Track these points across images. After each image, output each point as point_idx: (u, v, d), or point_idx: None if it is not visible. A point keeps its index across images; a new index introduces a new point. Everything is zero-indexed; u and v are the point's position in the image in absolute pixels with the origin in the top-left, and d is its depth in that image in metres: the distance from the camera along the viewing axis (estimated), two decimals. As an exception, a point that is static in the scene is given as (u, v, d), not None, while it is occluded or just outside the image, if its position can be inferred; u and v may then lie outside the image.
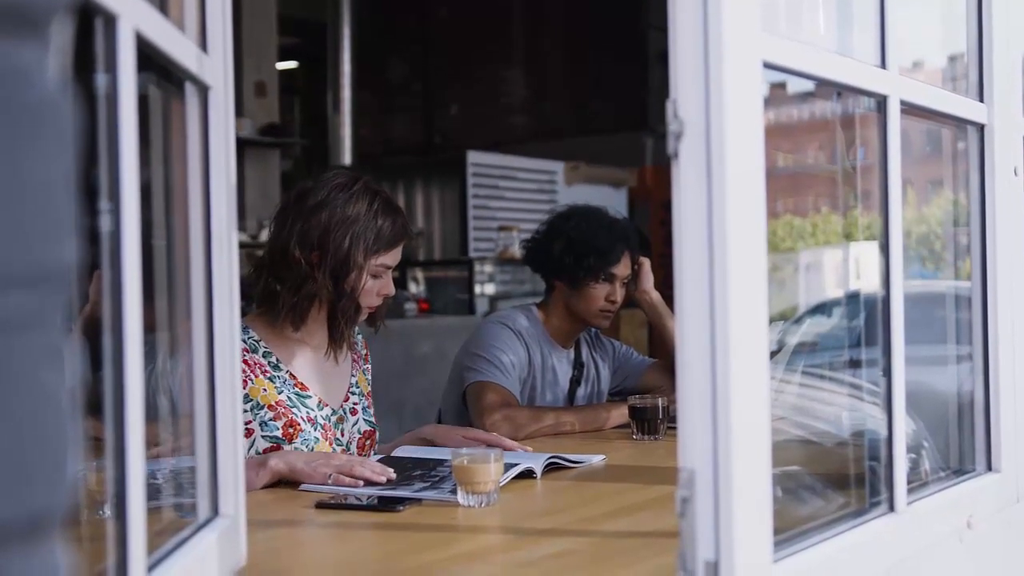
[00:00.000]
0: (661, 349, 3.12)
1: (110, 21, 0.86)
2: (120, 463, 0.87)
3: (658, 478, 1.94)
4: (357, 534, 1.62)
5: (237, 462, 1.24)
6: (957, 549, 1.57)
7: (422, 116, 9.58)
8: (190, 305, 1.19)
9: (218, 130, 1.21)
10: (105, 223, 0.86)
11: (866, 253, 1.57)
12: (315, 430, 2.09)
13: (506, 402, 2.55)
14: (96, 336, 0.89)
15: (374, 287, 2.11)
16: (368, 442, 2.22)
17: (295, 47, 9.04)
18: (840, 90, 1.48)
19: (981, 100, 1.69)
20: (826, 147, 1.75)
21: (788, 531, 1.19)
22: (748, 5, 1.08)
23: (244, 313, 1.89)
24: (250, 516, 1.29)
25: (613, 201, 7.05)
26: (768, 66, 1.12)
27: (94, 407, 0.84)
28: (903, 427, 1.39)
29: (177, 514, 1.27)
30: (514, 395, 2.59)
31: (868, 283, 1.54)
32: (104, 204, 0.86)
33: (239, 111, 6.57)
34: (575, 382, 2.82)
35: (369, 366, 2.32)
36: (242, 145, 6.66)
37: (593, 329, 2.88)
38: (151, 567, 0.94)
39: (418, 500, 1.74)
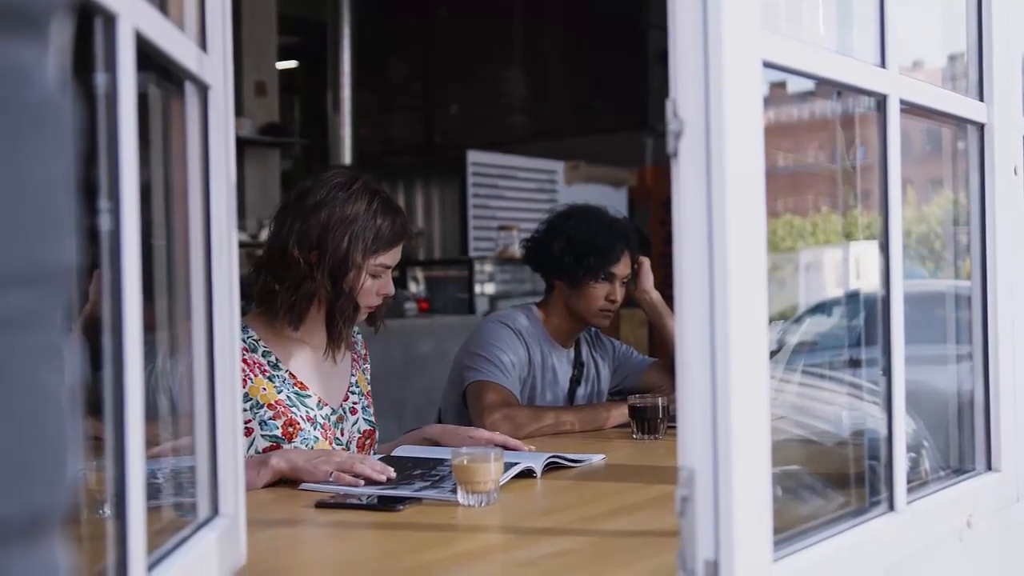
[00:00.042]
0: (661, 348, 3.12)
1: (110, 20, 0.86)
2: (120, 463, 0.87)
3: (658, 477, 1.94)
4: (357, 533, 1.62)
5: (237, 461, 1.24)
6: (957, 548, 1.57)
7: (422, 116, 9.58)
8: (190, 305, 1.19)
9: (218, 130, 1.21)
10: (105, 223, 0.86)
11: (866, 252, 1.57)
12: (315, 429, 2.09)
13: (506, 401, 2.55)
14: (96, 336, 0.89)
15: (373, 287, 2.11)
16: (368, 441, 2.22)
17: (295, 47, 9.04)
18: (840, 89, 1.48)
19: (981, 99, 1.68)
20: (826, 146, 1.74)
21: (788, 530, 1.19)
22: (748, 4, 1.08)
23: (244, 312, 1.89)
24: (250, 515, 1.29)
25: (613, 201, 7.04)
26: (768, 65, 1.12)
27: (94, 407, 0.84)
28: (903, 426, 1.39)
29: (177, 513, 1.27)
30: (514, 394, 2.59)
31: (868, 282, 1.54)
32: (104, 204, 0.86)
33: (239, 111, 6.57)
34: (575, 381, 2.82)
35: (368, 365, 2.32)
36: (242, 145, 6.66)
37: (593, 328, 2.88)
38: (151, 566, 0.94)
39: (418, 499, 1.74)
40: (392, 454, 2.15)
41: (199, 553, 1.10)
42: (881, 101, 1.40)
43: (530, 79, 9.13)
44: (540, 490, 1.91)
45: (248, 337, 2.08)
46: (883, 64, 1.39)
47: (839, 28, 1.65)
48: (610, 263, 2.70)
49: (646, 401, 2.46)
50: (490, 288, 6.91)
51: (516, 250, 6.70)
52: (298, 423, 2.07)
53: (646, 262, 2.83)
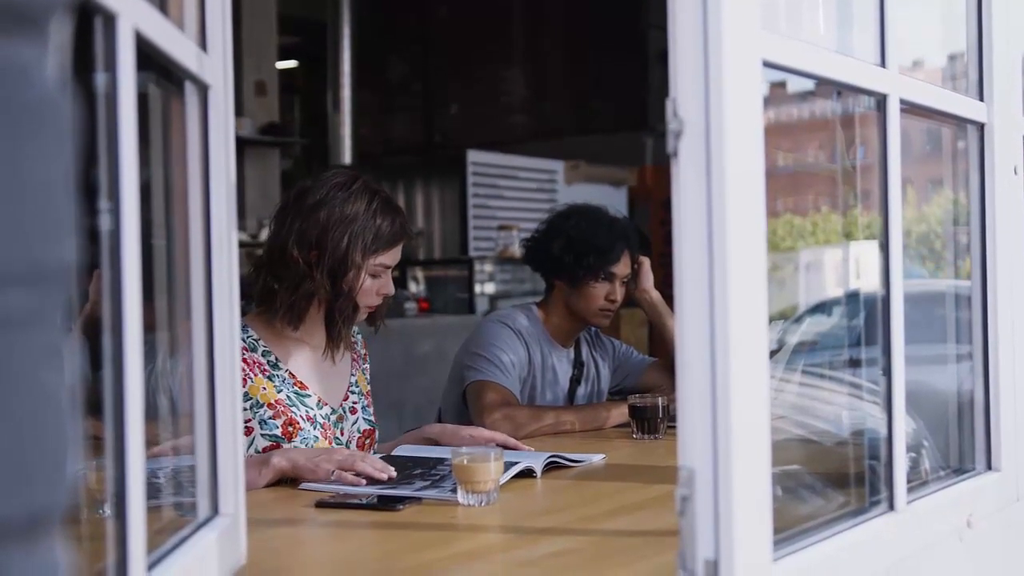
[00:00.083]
0: (661, 348, 3.13)
1: (109, 20, 0.86)
2: (120, 462, 0.87)
3: (658, 477, 1.94)
4: (357, 533, 1.62)
5: (237, 461, 1.24)
6: (957, 548, 1.57)
7: (422, 116, 9.57)
8: (190, 305, 1.19)
9: (218, 129, 1.21)
10: (105, 222, 0.86)
11: (866, 252, 1.57)
12: (314, 429, 2.09)
13: (506, 401, 2.55)
14: (96, 335, 0.89)
15: (373, 287, 2.11)
16: (368, 441, 2.22)
17: (295, 46, 9.04)
18: (840, 89, 1.48)
19: (981, 99, 1.68)
20: (826, 146, 1.74)
21: (788, 530, 1.19)
22: (748, 4, 1.08)
23: (244, 312, 1.89)
24: (250, 515, 1.29)
25: (613, 200, 7.04)
26: (768, 65, 1.12)
27: (94, 407, 0.84)
28: (903, 426, 1.39)
29: (177, 513, 1.27)
30: (514, 394, 2.59)
31: (868, 282, 1.54)
32: (104, 203, 0.86)
33: (239, 110, 6.57)
34: (575, 381, 2.82)
35: (368, 365, 2.32)
36: (242, 144, 6.66)
37: (593, 328, 2.88)
38: (151, 566, 0.94)
39: (418, 499, 1.74)
40: (392, 453, 2.15)
41: (199, 553, 1.10)
42: (881, 101, 1.40)
43: (530, 79, 9.13)
44: (540, 490, 1.91)
45: (248, 337, 2.08)
46: (883, 64, 1.39)
47: (839, 28, 1.65)
48: (610, 263, 2.70)
49: (646, 401, 2.46)
50: (490, 288, 6.91)
51: (516, 250, 6.71)
52: (298, 422, 2.07)
53: (646, 262, 2.83)
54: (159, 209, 1.14)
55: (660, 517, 1.59)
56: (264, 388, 2.06)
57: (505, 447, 2.05)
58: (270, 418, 2.04)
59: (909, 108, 1.44)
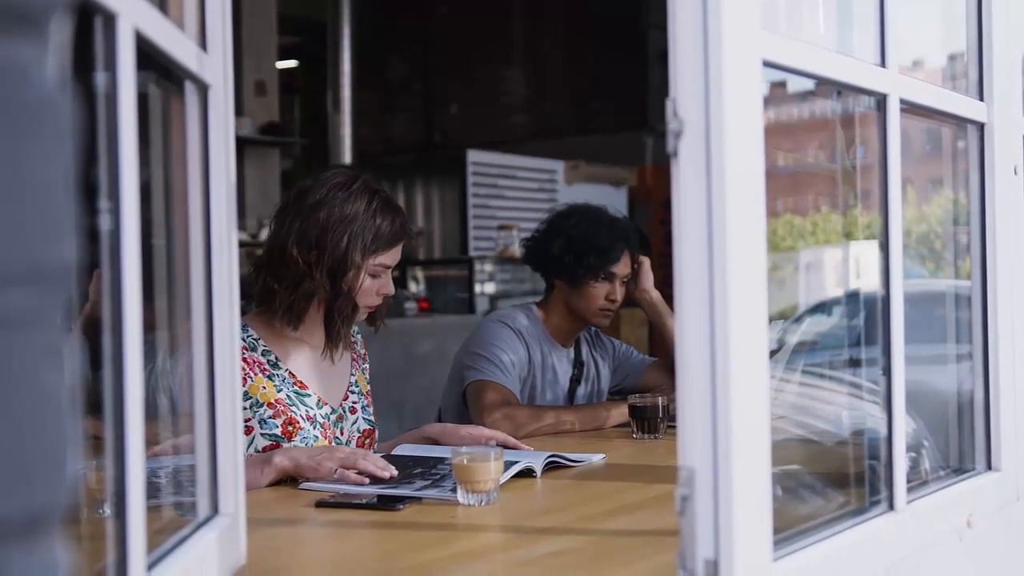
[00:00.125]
0: (661, 348, 3.12)
1: (109, 19, 0.86)
2: (120, 462, 0.87)
3: (658, 477, 1.94)
4: (357, 533, 1.62)
5: (237, 461, 1.24)
6: (957, 548, 1.57)
7: (422, 115, 9.57)
8: (190, 304, 1.19)
9: (218, 129, 1.21)
10: (105, 222, 0.86)
11: (866, 252, 1.57)
12: (314, 428, 2.09)
13: (506, 401, 2.55)
14: (96, 335, 0.89)
15: (373, 286, 2.11)
16: (367, 441, 2.22)
17: (295, 46, 9.04)
18: (840, 89, 1.48)
19: (981, 99, 1.68)
20: (826, 146, 1.74)
21: (788, 530, 1.19)
22: (748, 4, 1.08)
23: (244, 312, 1.89)
24: (250, 514, 1.29)
25: (613, 200, 7.04)
26: (768, 65, 1.12)
27: (94, 407, 0.84)
28: (903, 426, 1.39)
29: (177, 512, 1.27)
30: (514, 394, 2.59)
31: (868, 282, 1.54)
32: (104, 203, 0.86)
33: (239, 110, 6.57)
34: (575, 381, 2.82)
35: (367, 365, 2.32)
36: (242, 144, 6.66)
37: (593, 328, 2.88)
38: (151, 566, 0.94)
39: (418, 499, 1.74)
40: (392, 453, 2.15)
41: (199, 552, 1.10)
42: (881, 101, 1.40)
43: (530, 79, 9.13)
44: (540, 490, 1.91)
45: (248, 336, 2.08)
46: (883, 64, 1.39)
47: (839, 28, 1.65)
48: (610, 262, 2.70)
49: (646, 401, 2.46)
50: (490, 288, 6.91)
51: (516, 250, 6.71)
52: (298, 422, 2.07)
53: (646, 261, 2.83)
54: (159, 209, 1.14)
55: (660, 517, 1.59)
56: (264, 387, 2.06)
57: (505, 446, 2.05)
58: (270, 417, 2.04)
59: (909, 108, 1.44)
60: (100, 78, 0.86)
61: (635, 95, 8.31)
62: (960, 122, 1.69)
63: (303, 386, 2.11)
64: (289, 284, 2.06)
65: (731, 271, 1.03)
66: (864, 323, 1.60)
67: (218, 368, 1.21)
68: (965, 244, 1.74)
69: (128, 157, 0.87)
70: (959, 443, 1.75)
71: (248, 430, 2.02)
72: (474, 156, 7.62)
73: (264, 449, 2.01)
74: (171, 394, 1.22)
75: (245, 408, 2.02)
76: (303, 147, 8.08)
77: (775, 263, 1.23)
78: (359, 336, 2.32)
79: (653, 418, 2.43)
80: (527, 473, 1.94)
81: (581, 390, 2.83)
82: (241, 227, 6.58)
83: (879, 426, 1.42)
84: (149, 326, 0.96)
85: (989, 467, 1.69)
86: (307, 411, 2.09)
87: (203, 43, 1.19)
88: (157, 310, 1.13)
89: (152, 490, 0.97)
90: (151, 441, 0.98)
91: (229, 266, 1.22)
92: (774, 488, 1.11)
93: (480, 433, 2.18)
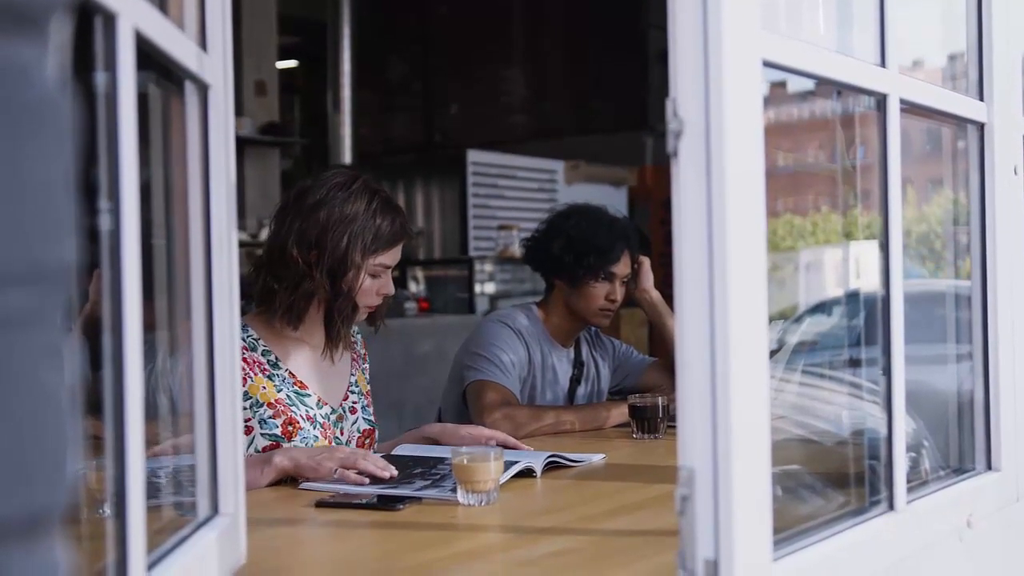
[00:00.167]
0: (661, 348, 3.13)
1: (109, 19, 0.86)
2: (120, 462, 0.87)
3: (658, 477, 1.94)
4: (357, 533, 1.62)
5: (237, 461, 1.24)
6: (957, 548, 1.57)
7: (422, 115, 9.58)
8: (190, 304, 1.19)
9: (218, 129, 1.21)
10: (105, 222, 0.86)
11: (866, 252, 1.57)
12: (314, 428, 2.09)
13: (506, 401, 2.55)
14: (96, 336, 0.89)
15: (373, 286, 2.11)
16: (367, 441, 2.22)
17: (295, 46, 9.04)
18: (840, 89, 1.48)
19: (981, 99, 1.68)
20: (826, 146, 1.74)
21: (788, 530, 1.19)
22: (748, 4, 1.08)
23: (244, 312, 1.89)
24: (250, 514, 1.29)
25: (613, 200, 7.04)
26: (768, 65, 1.12)
27: (94, 406, 0.84)
28: (903, 426, 1.39)
29: (177, 512, 1.27)
30: (514, 394, 2.59)
31: (868, 282, 1.54)
32: (104, 203, 0.86)
33: (239, 110, 6.57)
34: (575, 381, 2.82)
35: (367, 365, 2.32)
36: (242, 144, 6.66)
37: (593, 328, 2.88)
38: (151, 565, 0.94)
39: (418, 499, 1.74)
40: (392, 453, 2.14)
41: (199, 552, 1.10)
42: (881, 101, 1.40)
43: (530, 79, 9.13)
44: (540, 490, 1.91)
45: (248, 336, 2.08)
46: (883, 64, 1.39)
47: (839, 28, 1.65)
48: (610, 262, 2.70)
49: (646, 401, 2.46)
50: (490, 288, 6.91)
51: (516, 250, 6.71)
52: (298, 422, 2.07)
53: (646, 261, 2.83)
54: (159, 209, 1.14)
55: (660, 517, 1.59)
56: (264, 387, 2.06)
57: (505, 446, 2.05)
58: (270, 417, 2.04)
59: (909, 108, 1.44)
60: (100, 78, 0.86)
61: (635, 95, 8.31)
62: (960, 122, 1.69)
63: (303, 386, 2.11)
64: (289, 284, 2.06)
65: (731, 271, 1.03)
66: (864, 323, 1.60)
67: (218, 368, 1.21)
68: (965, 244, 1.74)
69: (128, 157, 0.87)
70: (959, 443, 1.75)
71: (248, 430, 2.02)
72: (474, 156, 7.62)
73: (264, 449, 2.01)
74: (171, 394, 1.22)
75: (245, 408, 2.02)
76: (303, 147, 8.08)
77: (775, 263, 1.23)
78: (359, 336, 2.32)
79: (653, 418, 2.43)
80: (527, 473, 1.94)
81: (581, 390, 2.83)
82: (241, 227, 6.58)
83: (879, 426, 1.42)
84: (149, 326, 0.96)
85: (989, 467, 1.69)
86: (307, 411, 2.09)
87: (203, 43, 1.19)
88: (157, 310, 1.13)
89: (152, 490, 0.97)
90: (151, 441, 0.98)
91: (229, 266, 1.22)
92: (774, 488, 1.11)
93: (480, 433, 2.18)
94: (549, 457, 2.03)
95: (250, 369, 2.05)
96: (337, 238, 2.05)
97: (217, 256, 1.21)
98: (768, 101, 1.13)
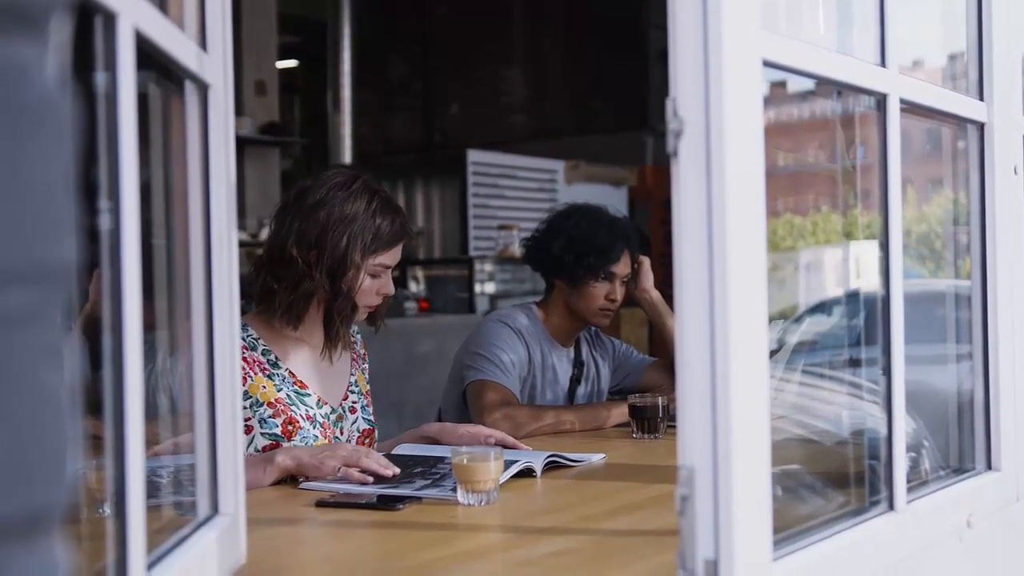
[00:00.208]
0: (661, 348, 3.13)
1: (109, 19, 0.86)
2: (120, 462, 0.87)
3: (658, 477, 1.94)
4: (357, 532, 1.62)
5: (237, 460, 1.24)
6: (957, 548, 1.57)
7: (422, 115, 9.58)
8: (190, 304, 1.19)
9: (218, 129, 1.21)
10: (105, 222, 0.86)
11: (866, 252, 1.57)
12: (314, 428, 2.09)
13: (506, 401, 2.55)
14: (96, 335, 0.89)
15: (373, 286, 2.11)
16: (367, 440, 2.22)
17: (295, 46, 9.04)
18: (840, 89, 1.48)
19: (981, 99, 1.68)
20: (826, 146, 1.74)
21: (788, 530, 1.19)
22: (748, 4, 1.08)
23: (244, 312, 1.89)
24: (250, 514, 1.29)
25: (613, 200, 7.05)
26: (768, 64, 1.12)
27: (94, 406, 0.84)
28: (903, 426, 1.39)
29: (177, 512, 1.27)
30: (514, 394, 2.59)
31: (868, 282, 1.54)
32: (104, 203, 0.86)
33: (239, 110, 6.57)
34: (575, 381, 2.82)
35: (367, 365, 2.32)
36: (242, 144, 6.66)
37: (593, 328, 2.88)
38: (151, 565, 0.94)
39: (418, 498, 1.74)
40: (392, 452, 2.14)
41: (199, 552, 1.10)
42: (881, 100, 1.40)
43: (530, 79, 9.13)
44: (540, 489, 1.91)
45: (248, 336, 2.08)
46: (883, 64, 1.39)
47: (839, 28, 1.65)
48: (610, 262, 2.70)
49: (646, 400, 2.46)
50: (490, 287, 6.91)
51: (516, 249, 6.71)
52: (298, 421, 2.07)
53: (646, 261, 2.83)
54: (159, 209, 1.14)
55: (660, 517, 1.59)
56: (264, 387, 2.06)
57: (504, 446, 2.05)
58: (270, 417, 2.04)
59: (909, 108, 1.44)
60: (100, 78, 0.86)
61: (635, 95, 8.31)
62: (960, 122, 1.69)
63: (303, 385, 2.11)
64: (289, 284, 2.06)
65: (731, 271, 1.03)
66: (864, 323, 1.60)
67: (218, 368, 1.21)
68: (965, 244, 1.74)
69: (128, 157, 0.87)
70: (959, 443, 1.75)
71: (248, 429, 2.02)
72: (474, 156, 7.62)
73: (264, 449, 2.01)
74: (171, 394, 1.22)
75: (245, 407, 2.02)
76: (303, 147, 8.08)
77: (775, 263, 1.23)
78: (359, 336, 2.32)
79: (653, 418, 2.43)
80: (527, 473, 1.94)
81: (581, 390, 2.83)
82: (241, 227, 6.58)
83: (879, 426, 1.42)
84: (149, 326, 0.96)
85: (989, 467, 1.69)
86: (307, 410, 2.09)
87: (203, 43, 1.19)
88: (157, 310, 1.13)
89: (152, 490, 0.97)
90: (151, 441, 0.98)
91: (229, 266, 1.23)
92: (774, 488, 1.11)
93: (479, 432, 2.18)
94: (549, 457, 2.03)
95: (250, 368, 2.05)
96: (337, 238, 2.05)
97: (217, 256, 1.21)
98: (768, 101, 1.13)
